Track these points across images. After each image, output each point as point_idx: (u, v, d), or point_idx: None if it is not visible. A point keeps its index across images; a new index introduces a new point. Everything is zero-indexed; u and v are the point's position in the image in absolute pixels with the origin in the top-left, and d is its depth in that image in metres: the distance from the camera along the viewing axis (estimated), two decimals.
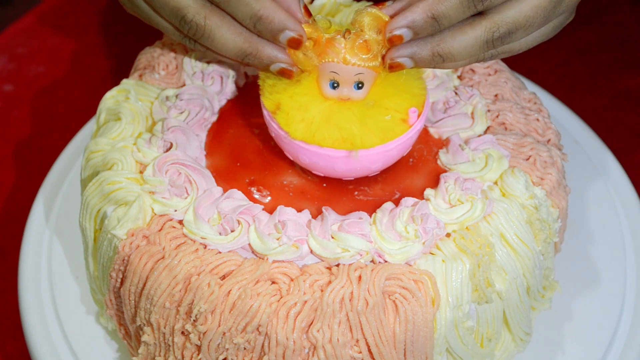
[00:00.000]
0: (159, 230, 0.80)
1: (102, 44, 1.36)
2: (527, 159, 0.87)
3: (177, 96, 0.90)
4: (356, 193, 0.85)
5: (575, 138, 1.09)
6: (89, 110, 1.05)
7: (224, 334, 0.77)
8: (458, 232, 0.81)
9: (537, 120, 0.91)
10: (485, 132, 0.90)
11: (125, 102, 0.90)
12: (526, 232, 0.82)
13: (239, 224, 0.80)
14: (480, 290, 0.80)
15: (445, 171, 0.86)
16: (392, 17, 0.78)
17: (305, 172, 0.86)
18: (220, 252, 0.79)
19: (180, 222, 0.81)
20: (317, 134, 0.81)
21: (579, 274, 0.96)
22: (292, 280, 0.77)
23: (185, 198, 0.82)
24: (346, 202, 0.84)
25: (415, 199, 0.82)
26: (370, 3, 0.82)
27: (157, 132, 0.87)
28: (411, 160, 0.88)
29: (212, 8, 0.81)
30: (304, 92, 0.81)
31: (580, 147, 1.08)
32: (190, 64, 0.94)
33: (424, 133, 0.89)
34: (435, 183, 0.85)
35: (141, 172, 0.84)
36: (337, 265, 0.78)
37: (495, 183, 0.84)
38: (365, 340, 0.77)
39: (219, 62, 0.94)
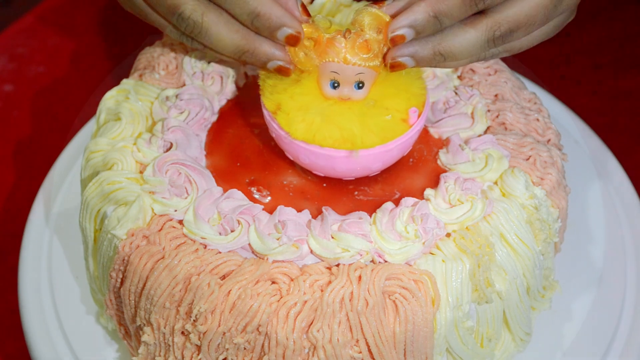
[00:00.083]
0: (159, 230, 0.80)
1: (102, 44, 1.36)
2: (527, 159, 0.87)
3: (177, 96, 0.90)
4: (356, 193, 0.85)
5: (575, 138, 1.09)
6: (89, 110, 1.05)
7: (224, 334, 0.77)
8: (458, 232, 0.81)
9: (537, 120, 0.91)
10: (485, 132, 0.90)
11: (125, 102, 0.90)
12: (526, 232, 0.82)
13: (239, 224, 0.80)
14: (480, 290, 0.80)
15: (445, 171, 0.86)
16: (392, 16, 0.79)
17: (305, 172, 0.86)
18: (220, 252, 0.79)
19: (180, 222, 0.81)
20: (318, 134, 0.81)
21: (579, 274, 0.96)
22: (292, 280, 0.77)
23: (185, 198, 0.82)
24: (346, 202, 0.84)
25: (415, 199, 0.82)
26: (371, 2, 0.82)
27: (157, 132, 0.87)
28: (411, 160, 0.88)
29: (209, 5, 0.80)
30: (304, 92, 0.81)
31: (580, 147, 1.08)
32: (190, 64, 0.94)
33: (424, 133, 0.90)
34: (435, 183, 0.85)
35: (141, 172, 0.84)
36: (337, 265, 0.78)
37: (495, 183, 0.84)
38: (365, 340, 0.77)
39: (219, 62, 0.94)
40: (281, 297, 0.77)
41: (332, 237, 0.79)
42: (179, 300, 0.78)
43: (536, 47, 0.84)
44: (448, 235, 0.81)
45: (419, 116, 0.82)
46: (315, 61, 0.81)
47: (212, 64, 0.94)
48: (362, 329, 0.76)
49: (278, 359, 0.77)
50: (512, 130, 0.90)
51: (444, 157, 0.87)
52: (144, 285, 0.79)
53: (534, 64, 1.17)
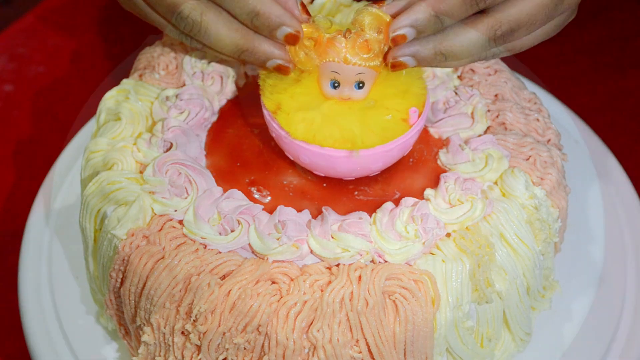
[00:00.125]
0: (159, 230, 0.80)
1: (102, 44, 1.36)
2: (527, 159, 0.87)
3: (177, 96, 0.90)
4: (356, 193, 0.85)
5: (575, 138, 1.09)
6: (89, 110, 1.05)
7: (224, 334, 0.77)
8: (458, 232, 0.81)
9: (537, 120, 0.91)
10: (485, 132, 0.90)
11: (125, 102, 0.90)
12: (526, 232, 0.82)
13: (239, 224, 0.80)
14: (480, 290, 0.80)
15: (445, 171, 0.86)
16: (393, 16, 0.79)
17: (305, 172, 0.86)
18: (220, 252, 0.79)
19: (180, 222, 0.81)
20: (318, 134, 0.81)
21: (579, 274, 0.96)
22: (292, 280, 0.77)
23: (185, 198, 0.82)
24: (346, 202, 0.84)
25: (415, 199, 0.82)
26: (371, 2, 0.82)
27: (157, 132, 0.87)
28: (411, 160, 0.88)
29: (209, 4, 0.80)
30: (304, 92, 0.81)
31: (580, 147, 1.08)
32: (190, 64, 0.93)
33: (424, 133, 0.89)
34: (435, 183, 0.85)
35: (141, 172, 0.84)
36: (337, 265, 0.78)
37: (495, 183, 0.84)
38: (365, 340, 0.77)
39: (219, 62, 0.94)
40: (281, 297, 0.77)
41: (332, 237, 0.79)
42: (179, 300, 0.78)
43: (536, 47, 0.84)
44: (448, 235, 0.81)
45: (419, 116, 0.82)
46: (316, 61, 0.81)
47: (212, 63, 0.94)
48: (362, 329, 0.76)
49: (278, 359, 0.77)
50: (512, 130, 0.90)
51: (444, 157, 0.87)
52: (144, 285, 0.79)
53: (534, 64, 1.17)
